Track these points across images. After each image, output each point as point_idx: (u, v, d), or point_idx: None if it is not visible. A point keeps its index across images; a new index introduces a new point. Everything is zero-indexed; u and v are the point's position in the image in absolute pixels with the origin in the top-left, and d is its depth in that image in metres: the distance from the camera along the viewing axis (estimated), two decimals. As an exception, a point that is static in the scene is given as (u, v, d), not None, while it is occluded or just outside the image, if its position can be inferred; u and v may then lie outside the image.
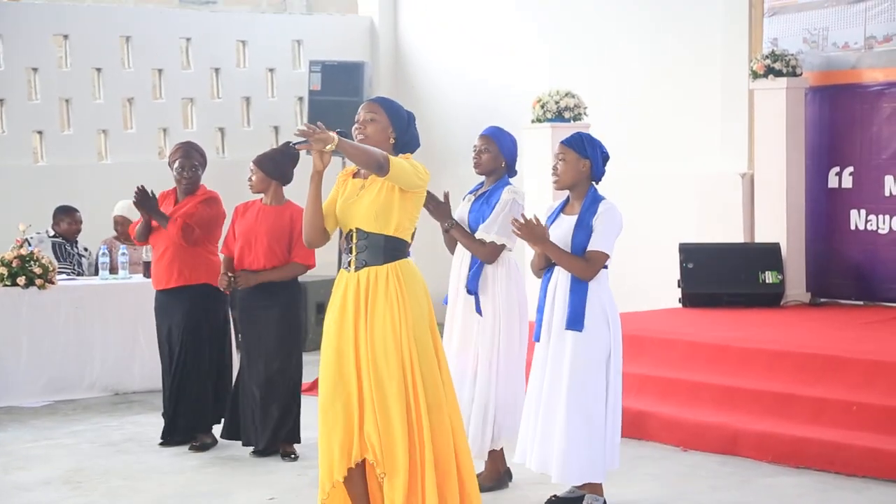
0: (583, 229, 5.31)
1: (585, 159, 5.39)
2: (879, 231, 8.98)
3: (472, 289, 5.76)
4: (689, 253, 9.13)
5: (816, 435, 6.35)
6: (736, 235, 9.42)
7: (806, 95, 9.18)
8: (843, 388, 6.68)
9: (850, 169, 9.13)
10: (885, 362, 6.76)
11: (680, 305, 9.10)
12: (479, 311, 5.75)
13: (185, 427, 6.89)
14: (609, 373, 5.34)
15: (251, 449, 6.71)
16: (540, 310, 5.45)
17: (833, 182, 9.21)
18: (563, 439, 5.27)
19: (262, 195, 6.71)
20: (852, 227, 9.10)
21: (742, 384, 7.00)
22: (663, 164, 9.99)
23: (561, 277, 5.37)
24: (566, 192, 5.49)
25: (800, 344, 7.34)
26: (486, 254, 5.73)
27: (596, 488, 5.40)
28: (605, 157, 5.46)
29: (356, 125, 4.70)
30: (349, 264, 4.66)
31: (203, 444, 6.87)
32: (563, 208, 5.49)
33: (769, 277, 9.04)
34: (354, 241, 4.65)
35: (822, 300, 9.24)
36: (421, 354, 4.60)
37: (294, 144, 4.58)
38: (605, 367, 5.33)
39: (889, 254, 8.91)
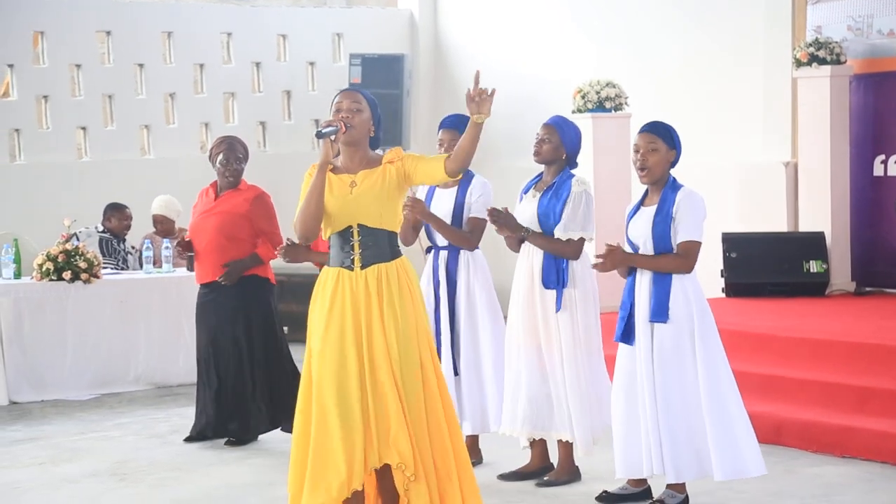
0: (662, 217, 5.14)
1: (673, 149, 5.22)
2: (925, 219, 8.89)
3: (551, 284, 5.68)
4: (733, 242, 9.07)
5: (862, 424, 6.30)
6: (780, 225, 9.36)
7: (850, 83, 9.09)
8: (888, 377, 6.62)
9: (896, 157, 9.04)
10: (931, 351, 6.70)
11: (723, 295, 9.05)
12: (559, 307, 5.67)
13: (235, 427, 6.84)
14: (699, 364, 5.14)
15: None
16: (623, 307, 5.30)
17: (878, 170, 9.12)
18: (662, 435, 5.14)
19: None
20: (898, 215, 9.02)
21: (786, 374, 6.96)
22: (706, 153, 9.91)
23: (645, 272, 5.22)
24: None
25: (845, 333, 7.29)
26: (573, 252, 5.67)
27: (676, 486, 5.28)
28: (682, 147, 5.30)
29: (342, 114, 4.51)
30: (352, 262, 4.50)
31: (240, 438, 6.84)
32: (642, 201, 5.30)
33: (814, 266, 8.97)
34: (357, 238, 4.51)
35: (868, 289, 9.16)
36: (432, 347, 4.59)
37: (321, 132, 4.48)
38: (692, 358, 5.15)
39: (935, 242, 8.83)
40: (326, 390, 4.45)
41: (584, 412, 5.66)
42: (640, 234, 5.23)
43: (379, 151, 4.70)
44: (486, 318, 6.04)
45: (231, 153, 6.85)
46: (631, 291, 5.30)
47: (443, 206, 6.06)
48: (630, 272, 5.33)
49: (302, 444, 4.54)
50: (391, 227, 4.54)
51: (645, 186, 5.32)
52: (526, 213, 5.76)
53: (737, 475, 5.21)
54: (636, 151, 5.23)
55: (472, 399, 6.04)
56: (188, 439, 6.92)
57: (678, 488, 5.31)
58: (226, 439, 6.84)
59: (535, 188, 5.80)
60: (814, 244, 9.00)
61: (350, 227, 4.52)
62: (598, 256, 5.22)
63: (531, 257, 5.73)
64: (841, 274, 9.10)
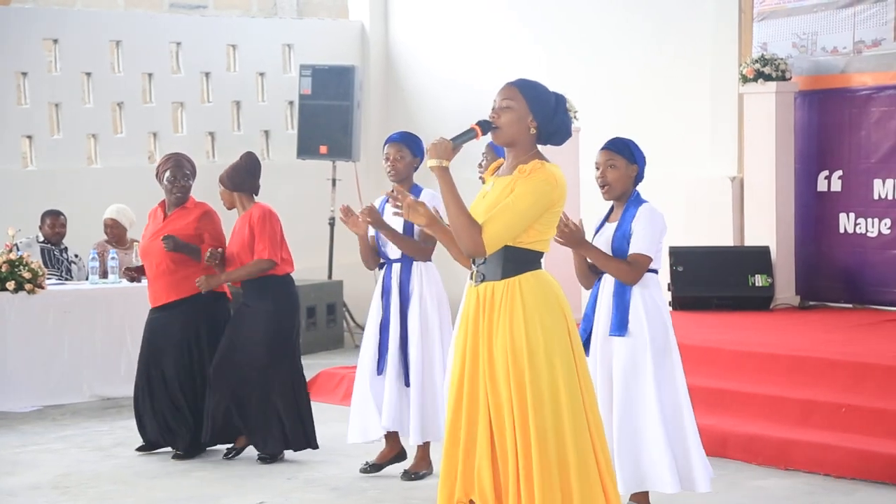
0: (622, 232, 5.17)
1: (634, 164, 5.23)
2: (868, 234, 9.00)
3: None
4: (679, 256, 9.14)
5: (806, 437, 6.36)
6: (726, 239, 9.44)
7: (795, 100, 9.21)
8: (832, 390, 6.70)
9: (839, 172, 9.15)
10: (873, 365, 6.79)
11: (670, 308, 9.09)
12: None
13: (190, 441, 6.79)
14: (655, 379, 5.14)
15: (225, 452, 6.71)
16: (586, 319, 5.31)
17: (822, 186, 9.24)
18: (619, 448, 5.14)
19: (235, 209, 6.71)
20: (841, 231, 9.13)
21: (732, 387, 7.01)
22: (654, 167, 9.78)
23: (606, 284, 5.26)
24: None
25: (789, 347, 7.36)
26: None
27: (641, 497, 5.28)
28: (645, 160, 5.31)
29: (491, 113, 4.09)
30: (471, 276, 4.12)
31: (187, 451, 6.78)
32: (608, 217, 5.33)
33: (759, 281, 9.06)
34: None
35: (812, 303, 9.27)
36: (534, 383, 3.96)
37: (455, 139, 4.05)
38: (650, 373, 5.15)
39: (878, 257, 8.95)
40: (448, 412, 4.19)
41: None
42: (603, 249, 5.27)
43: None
44: (437, 330, 6.09)
45: (178, 170, 6.81)
46: (594, 304, 5.32)
47: (394, 219, 6.07)
48: (596, 280, 5.33)
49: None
50: (512, 241, 4.01)
51: (610, 202, 5.34)
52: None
53: (686, 488, 5.22)
54: (597, 168, 5.28)
55: (424, 408, 6.07)
56: (141, 448, 6.90)
57: (641, 499, 5.31)
58: (173, 452, 6.79)
59: None
60: (759, 258, 9.09)
61: None
62: (559, 229, 5.04)
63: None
64: (785, 288, 9.20)
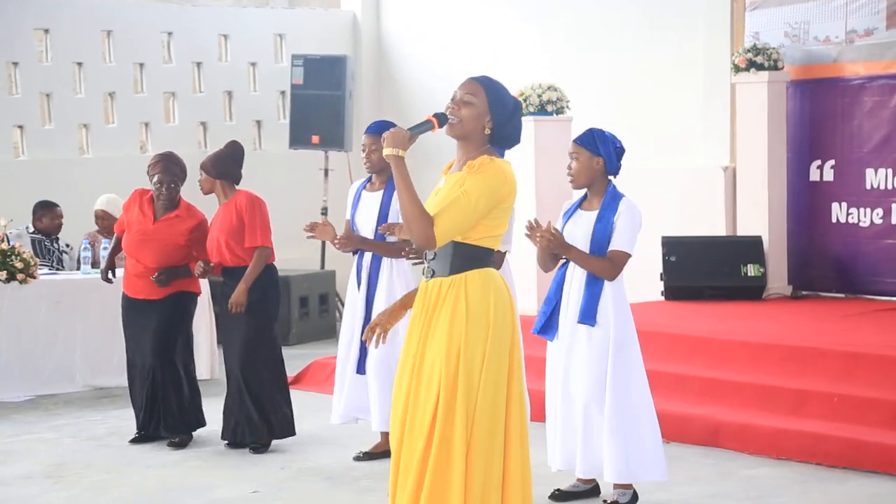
0: (603, 225, 5.29)
1: (598, 157, 5.36)
2: (860, 224, 9.01)
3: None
4: (672, 246, 9.15)
5: (797, 427, 6.38)
6: (718, 229, 9.45)
7: (787, 89, 9.22)
8: (823, 379, 6.71)
9: (832, 162, 9.16)
10: (865, 354, 6.81)
11: (662, 298, 9.12)
12: None
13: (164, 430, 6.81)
14: (616, 368, 5.26)
15: (226, 442, 6.70)
16: (548, 301, 5.42)
17: (814, 175, 9.25)
18: (604, 434, 5.27)
19: (214, 196, 6.68)
20: (833, 221, 9.14)
21: (724, 376, 7.03)
22: (646, 157, 9.97)
23: (576, 271, 5.35)
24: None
25: (781, 336, 7.38)
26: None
27: (624, 484, 5.37)
28: (620, 152, 5.42)
29: (450, 104, 4.01)
30: (423, 272, 4.09)
31: (182, 440, 6.79)
32: (580, 204, 5.46)
33: (751, 270, 9.07)
34: None
35: (804, 293, 9.28)
36: (467, 384, 3.90)
37: (412, 128, 3.99)
38: (612, 364, 5.26)
39: (870, 246, 8.96)
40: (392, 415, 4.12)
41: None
42: (578, 237, 5.35)
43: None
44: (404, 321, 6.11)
45: (166, 175, 6.70)
46: (559, 288, 5.40)
47: (368, 209, 6.14)
48: (561, 266, 5.45)
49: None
50: (460, 238, 3.95)
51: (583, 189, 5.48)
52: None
53: (634, 478, 5.33)
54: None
55: (384, 398, 6.10)
56: (134, 440, 6.88)
57: (626, 486, 5.40)
58: (167, 440, 6.80)
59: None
60: (751, 248, 9.10)
61: None
62: (541, 234, 5.24)
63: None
64: (778, 278, 9.21)
